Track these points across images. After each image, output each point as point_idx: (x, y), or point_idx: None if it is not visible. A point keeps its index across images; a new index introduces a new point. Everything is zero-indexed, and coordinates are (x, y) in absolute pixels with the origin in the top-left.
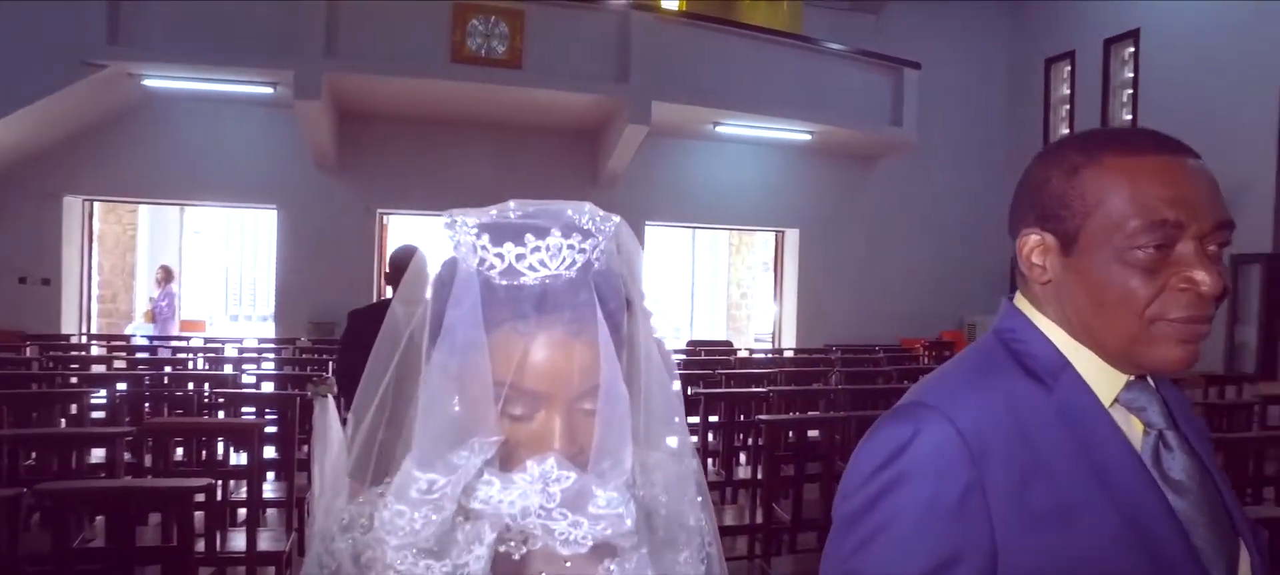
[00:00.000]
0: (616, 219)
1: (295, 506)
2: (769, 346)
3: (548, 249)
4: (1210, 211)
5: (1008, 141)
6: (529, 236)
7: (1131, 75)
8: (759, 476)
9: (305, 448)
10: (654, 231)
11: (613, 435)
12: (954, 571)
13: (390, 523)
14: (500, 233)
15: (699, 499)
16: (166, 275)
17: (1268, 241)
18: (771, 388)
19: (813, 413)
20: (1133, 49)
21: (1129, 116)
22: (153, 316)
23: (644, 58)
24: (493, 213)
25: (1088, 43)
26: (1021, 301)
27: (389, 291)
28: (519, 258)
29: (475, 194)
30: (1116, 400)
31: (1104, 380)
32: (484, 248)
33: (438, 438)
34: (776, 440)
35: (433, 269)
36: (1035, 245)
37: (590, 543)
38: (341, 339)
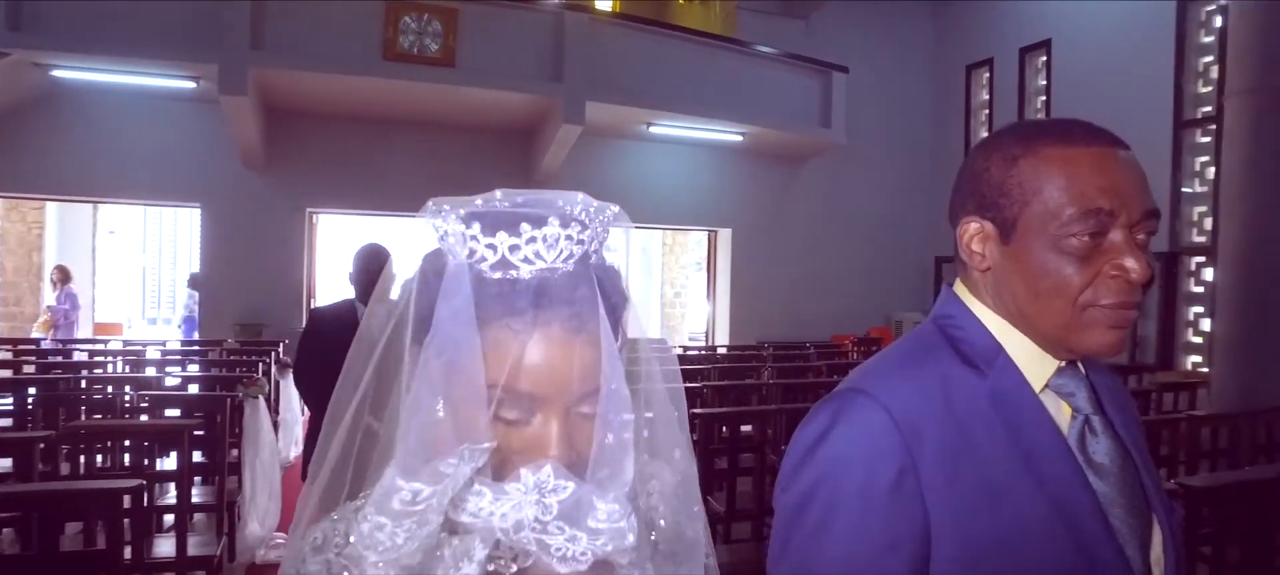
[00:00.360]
0: (614, 208)
1: (226, 510)
2: (702, 344)
3: (545, 240)
4: (1139, 201)
5: (932, 144)
6: (524, 226)
7: (1045, 82)
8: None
9: (235, 451)
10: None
11: (614, 441)
12: (895, 555)
13: (369, 537)
14: (492, 222)
15: (696, 509)
16: (63, 276)
17: (1164, 241)
18: (705, 383)
19: (745, 407)
20: (1045, 58)
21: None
22: (52, 324)
23: (578, 58)
24: (478, 202)
25: (1005, 51)
26: (960, 289)
27: (352, 291)
28: (513, 249)
29: (408, 192)
30: (1047, 386)
31: (1036, 366)
32: (474, 238)
33: (423, 444)
34: (711, 434)
35: (401, 267)
36: (975, 233)
37: (590, 559)
38: (302, 339)
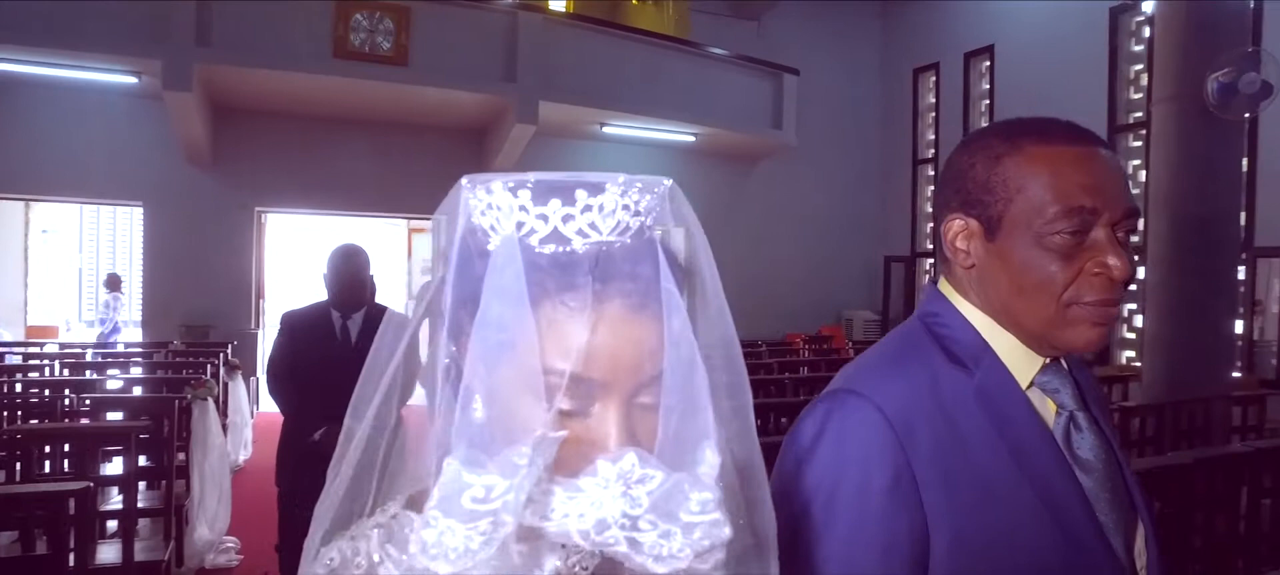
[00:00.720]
0: (667, 181)
1: (174, 514)
2: None
3: (602, 209)
4: (1121, 200)
5: (880, 145)
6: (580, 193)
7: (988, 86)
8: None
9: (182, 454)
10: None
11: (691, 424)
12: (894, 556)
13: (438, 544)
14: (544, 190)
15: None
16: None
17: None
18: None
19: None
20: (989, 63)
21: (986, 123)
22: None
23: (531, 58)
24: (511, 181)
25: (950, 55)
26: (945, 287)
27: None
28: (566, 219)
29: (360, 192)
30: (1033, 383)
31: (1022, 363)
32: (522, 208)
33: (484, 436)
34: None
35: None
36: (959, 230)
37: (689, 557)
38: (277, 344)
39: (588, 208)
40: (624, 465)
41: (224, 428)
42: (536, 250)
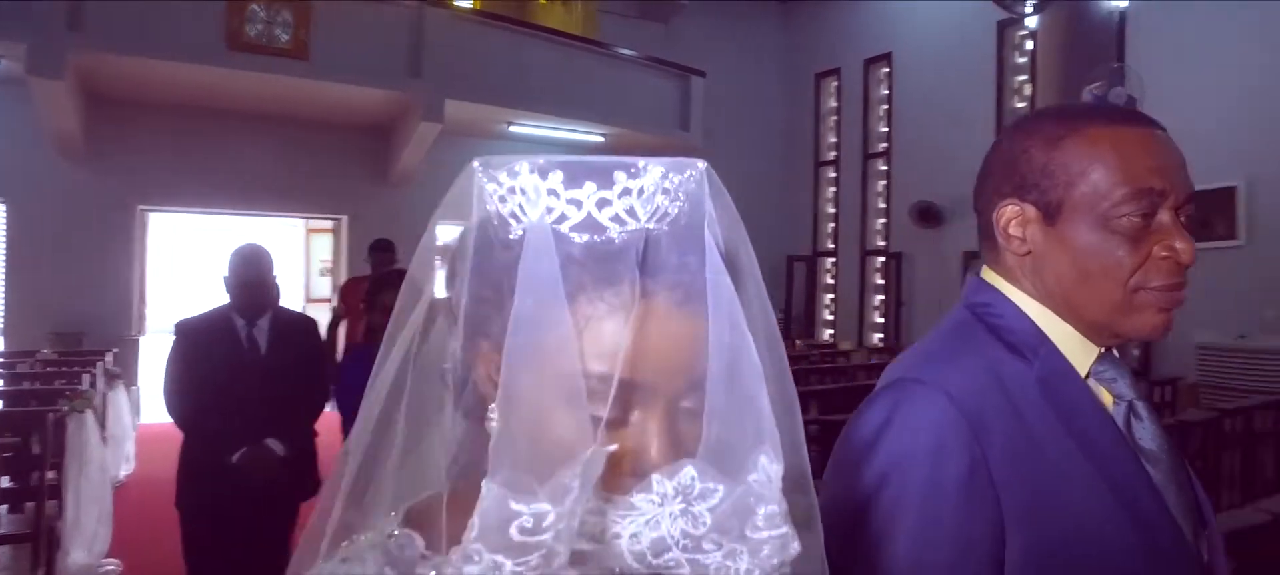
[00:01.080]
0: (701, 164)
1: (44, 536)
2: None
3: (641, 193)
4: (1184, 183)
5: (784, 148)
6: (619, 175)
7: (887, 92)
8: None
9: (54, 472)
10: (448, 232)
11: (742, 428)
12: (971, 556)
13: None
14: (577, 173)
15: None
16: None
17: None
18: None
19: None
20: (887, 69)
21: (885, 129)
22: None
23: (437, 54)
24: (536, 162)
25: (850, 61)
26: (991, 276)
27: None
28: (602, 204)
29: (256, 190)
30: (1089, 373)
31: (1079, 352)
32: (552, 193)
33: (527, 455)
34: None
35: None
36: (1013, 216)
37: None
38: (172, 355)
39: (626, 192)
40: (683, 479)
41: (104, 441)
42: (569, 240)
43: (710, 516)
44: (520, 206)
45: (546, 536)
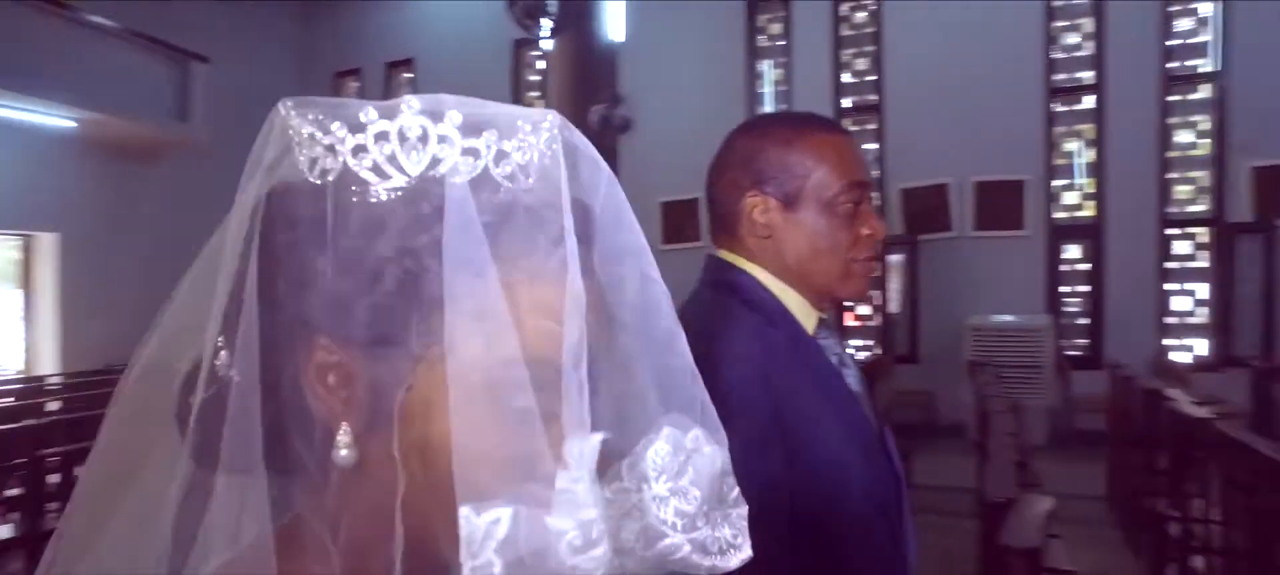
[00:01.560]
0: (553, 114)
1: None
2: (22, 377)
3: (531, 147)
4: (870, 177)
5: None
6: (522, 123)
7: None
8: None
9: None
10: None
11: (631, 392)
12: (776, 497)
13: None
14: (476, 120)
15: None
16: None
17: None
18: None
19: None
20: (411, 74)
21: None
22: None
23: None
24: (416, 103)
25: (372, 63)
26: (731, 256)
27: None
28: (500, 158)
29: None
30: (815, 334)
31: (805, 317)
32: (444, 140)
33: (491, 460)
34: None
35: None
36: (757, 204)
37: (744, 542)
38: None
39: (523, 145)
40: (657, 458)
41: None
42: (484, 199)
43: (697, 491)
44: (387, 158)
45: (600, 550)
